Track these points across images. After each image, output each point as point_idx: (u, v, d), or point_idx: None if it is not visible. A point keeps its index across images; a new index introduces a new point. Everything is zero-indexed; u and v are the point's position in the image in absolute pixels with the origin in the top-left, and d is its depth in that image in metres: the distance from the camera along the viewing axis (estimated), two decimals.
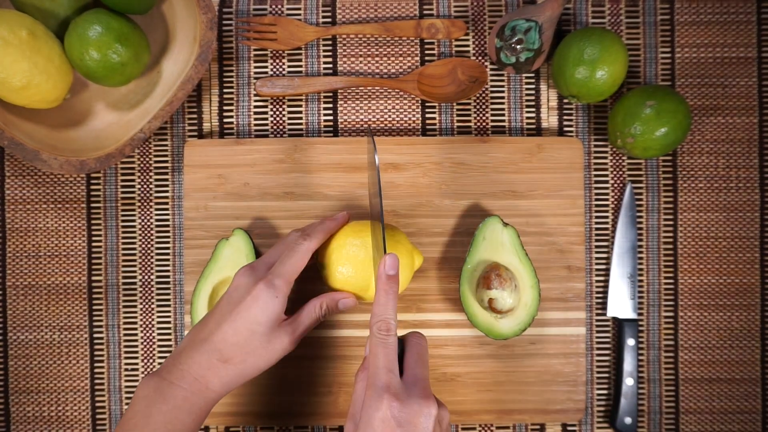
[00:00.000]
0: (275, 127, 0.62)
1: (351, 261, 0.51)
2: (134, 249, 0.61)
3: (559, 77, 0.57)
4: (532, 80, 0.62)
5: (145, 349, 0.61)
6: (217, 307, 0.49)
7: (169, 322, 0.61)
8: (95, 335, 0.61)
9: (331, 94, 0.62)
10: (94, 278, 0.61)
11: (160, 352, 0.61)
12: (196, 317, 0.57)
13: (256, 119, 0.62)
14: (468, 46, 0.62)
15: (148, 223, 0.61)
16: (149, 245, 0.61)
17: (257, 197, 0.59)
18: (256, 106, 0.62)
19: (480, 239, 0.56)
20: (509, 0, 0.62)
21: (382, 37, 0.62)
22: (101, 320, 0.61)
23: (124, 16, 0.55)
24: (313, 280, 0.57)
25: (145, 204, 0.61)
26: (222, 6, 0.61)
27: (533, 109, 0.62)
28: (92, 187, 0.61)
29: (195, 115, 0.62)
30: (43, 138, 0.57)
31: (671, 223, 0.61)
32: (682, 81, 0.62)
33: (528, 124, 0.62)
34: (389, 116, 0.62)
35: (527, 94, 0.62)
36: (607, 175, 0.61)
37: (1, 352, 0.61)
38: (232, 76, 0.62)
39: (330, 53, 0.62)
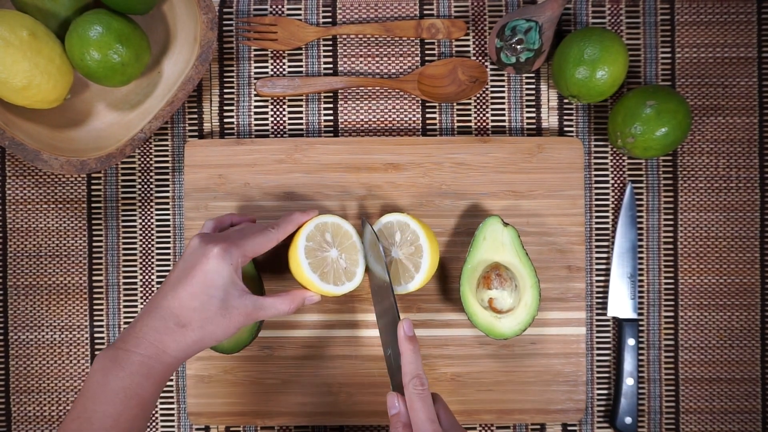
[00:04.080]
0: (276, 127, 0.62)
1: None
2: (135, 249, 0.61)
3: (560, 77, 0.57)
4: (533, 80, 0.62)
5: None
6: (172, 273, 0.49)
7: None
8: (96, 335, 0.61)
9: (331, 95, 0.62)
10: (94, 278, 0.61)
11: None
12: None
13: (256, 119, 0.62)
14: (468, 46, 0.62)
15: (149, 223, 0.61)
16: (150, 245, 0.61)
17: (257, 197, 0.60)
18: (256, 107, 0.62)
19: (480, 239, 0.56)
20: (509, 0, 0.62)
21: (383, 37, 0.62)
22: (102, 320, 0.61)
23: (124, 17, 0.55)
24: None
25: (146, 204, 0.61)
26: (222, 6, 0.61)
27: (533, 109, 0.62)
28: (93, 187, 0.61)
29: (195, 116, 0.62)
30: (44, 138, 0.57)
31: (671, 223, 0.61)
32: (682, 81, 0.62)
33: (528, 124, 0.62)
34: (389, 116, 0.62)
35: (527, 94, 0.62)
36: (607, 175, 0.61)
37: (2, 352, 0.61)
38: (232, 77, 0.62)
39: (330, 53, 0.62)
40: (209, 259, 0.47)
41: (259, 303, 0.49)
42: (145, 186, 0.61)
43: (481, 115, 0.62)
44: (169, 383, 0.61)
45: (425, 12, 0.62)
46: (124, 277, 0.61)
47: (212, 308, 0.47)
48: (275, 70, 0.62)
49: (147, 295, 0.61)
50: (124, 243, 0.61)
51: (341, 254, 0.53)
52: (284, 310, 0.51)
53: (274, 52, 0.62)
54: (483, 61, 0.62)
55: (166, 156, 0.62)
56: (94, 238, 0.61)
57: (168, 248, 0.61)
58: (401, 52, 0.62)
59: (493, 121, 0.62)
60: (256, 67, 0.62)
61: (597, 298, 0.61)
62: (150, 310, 0.47)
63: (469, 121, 0.62)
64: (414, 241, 0.54)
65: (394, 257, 0.55)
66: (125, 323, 0.61)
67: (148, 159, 0.62)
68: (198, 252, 0.48)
